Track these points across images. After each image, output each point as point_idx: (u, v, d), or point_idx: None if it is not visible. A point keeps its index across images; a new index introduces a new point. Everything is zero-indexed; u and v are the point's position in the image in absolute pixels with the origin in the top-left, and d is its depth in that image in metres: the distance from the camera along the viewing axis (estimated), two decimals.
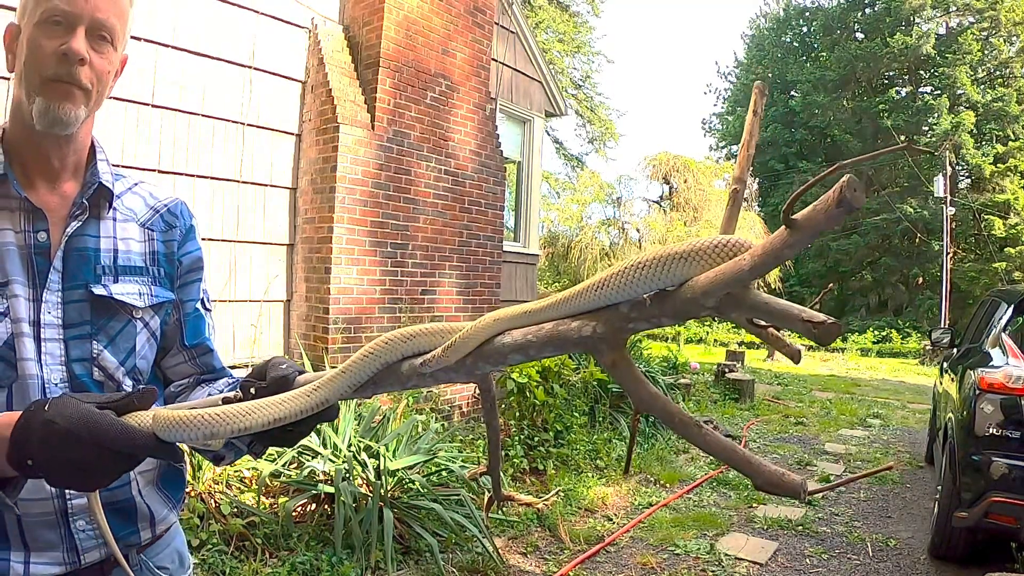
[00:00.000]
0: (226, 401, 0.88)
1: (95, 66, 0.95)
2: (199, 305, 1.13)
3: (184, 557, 1.13)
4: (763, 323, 0.66)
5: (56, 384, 0.94)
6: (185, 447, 1.17)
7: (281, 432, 0.87)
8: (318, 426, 1.11)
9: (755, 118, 0.76)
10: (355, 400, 3.79)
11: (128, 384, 1.02)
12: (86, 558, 0.95)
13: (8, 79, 3.70)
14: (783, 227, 0.59)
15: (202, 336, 1.13)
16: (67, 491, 0.93)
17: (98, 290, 0.98)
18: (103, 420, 0.76)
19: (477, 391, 6.38)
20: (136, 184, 1.10)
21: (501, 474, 1.02)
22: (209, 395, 1.07)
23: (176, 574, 1.09)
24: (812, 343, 0.68)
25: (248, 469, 3.47)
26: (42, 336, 0.93)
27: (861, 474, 0.73)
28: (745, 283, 0.63)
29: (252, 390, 0.88)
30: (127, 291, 1.01)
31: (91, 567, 0.96)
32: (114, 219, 1.04)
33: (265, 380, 0.89)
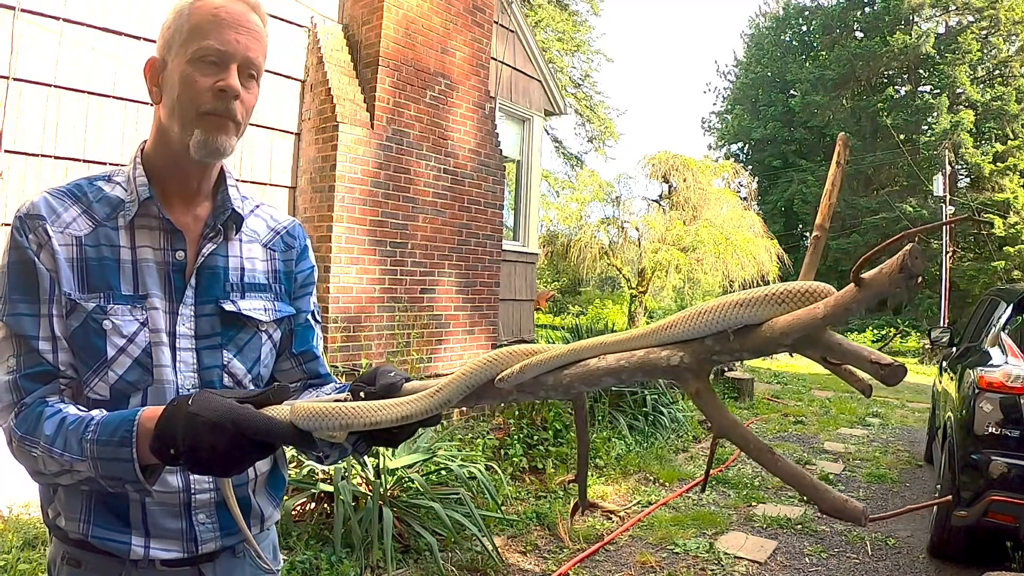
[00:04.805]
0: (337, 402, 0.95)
1: (244, 100, 1.03)
2: (309, 317, 1.21)
3: (277, 551, 1.23)
4: (835, 361, 0.73)
5: (189, 389, 1.02)
6: (290, 449, 1.24)
7: (389, 433, 0.94)
8: None
9: (838, 169, 0.81)
10: None
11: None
12: (203, 548, 1.04)
13: (46, 85, 3.69)
14: (852, 284, 0.67)
15: (309, 344, 1.21)
16: (191, 487, 1.03)
17: (228, 306, 1.07)
18: (245, 412, 0.85)
19: None
20: (257, 206, 1.19)
21: (583, 481, 1.11)
22: (317, 397, 1.13)
23: (272, 565, 1.17)
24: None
25: None
26: (177, 346, 1.03)
27: (919, 505, 0.80)
28: (818, 329, 0.70)
29: (362, 394, 0.94)
30: (253, 307, 1.10)
31: (204, 555, 1.05)
32: (240, 240, 1.12)
33: (375, 385, 0.95)
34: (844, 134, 0.85)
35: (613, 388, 6.44)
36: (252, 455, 0.87)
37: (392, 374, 0.97)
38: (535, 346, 0.92)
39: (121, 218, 1.02)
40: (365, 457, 3.57)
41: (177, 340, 1.03)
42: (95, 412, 0.93)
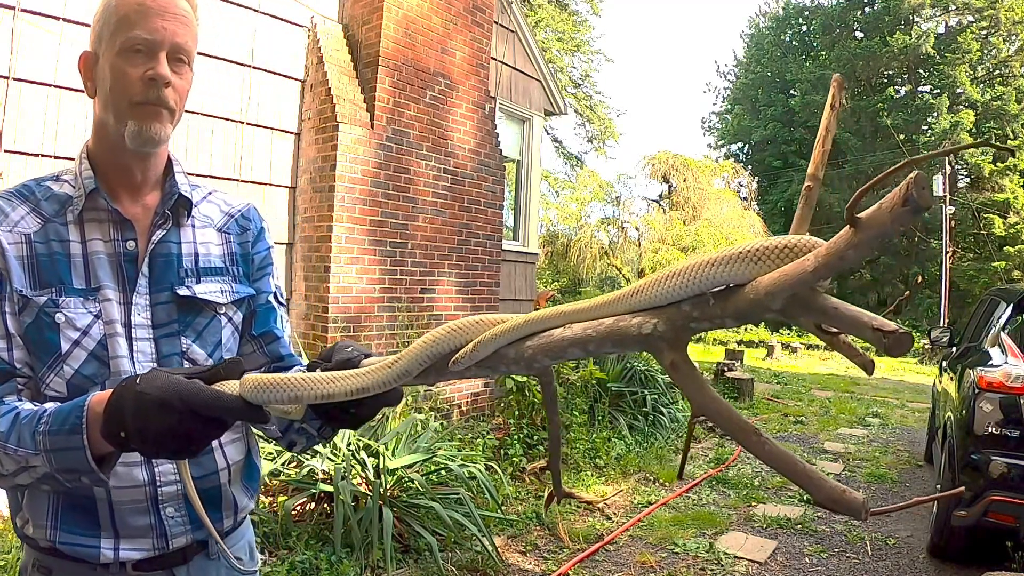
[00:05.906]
0: None
1: (176, 87, 1.03)
2: (271, 298, 1.21)
3: (254, 550, 1.20)
4: (833, 329, 0.64)
5: None
6: (261, 436, 1.25)
7: (350, 412, 0.93)
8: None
9: (832, 113, 0.72)
10: None
11: None
12: (173, 544, 1.02)
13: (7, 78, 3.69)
14: (847, 227, 0.57)
15: (270, 325, 1.19)
16: (157, 480, 1.01)
17: (182, 291, 1.06)
18: (193, 387, 0.81)
19: (476, 389, 6.25)
20: (210, 193, 1.19)
21: (559, 469, 1.02)
22: None
23: (247, 565, 1.15)
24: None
25: None
26: (133, 336, 1.01)
27: (926, 498, 0.73)
28: (809, 285, 0.61)
29: (318, 371, 0.91)
30: (209, 290, 1.09)
31: (176, 552, 1.03)
32: (193, 226, 1.12)
33: (331, 362, 0.93)
34: (839, 76, 0.78)
35: (613, 387, 6.44)
36: (203, 433, 0.82)
37: (350, 349, 0.95)
38: (500, 316, 0.83)
39: (70, 213, 1.02)
40: (366, 457, 3.57)
41: (133, 330, 1.01)
42: (49, 405, 0.90)
